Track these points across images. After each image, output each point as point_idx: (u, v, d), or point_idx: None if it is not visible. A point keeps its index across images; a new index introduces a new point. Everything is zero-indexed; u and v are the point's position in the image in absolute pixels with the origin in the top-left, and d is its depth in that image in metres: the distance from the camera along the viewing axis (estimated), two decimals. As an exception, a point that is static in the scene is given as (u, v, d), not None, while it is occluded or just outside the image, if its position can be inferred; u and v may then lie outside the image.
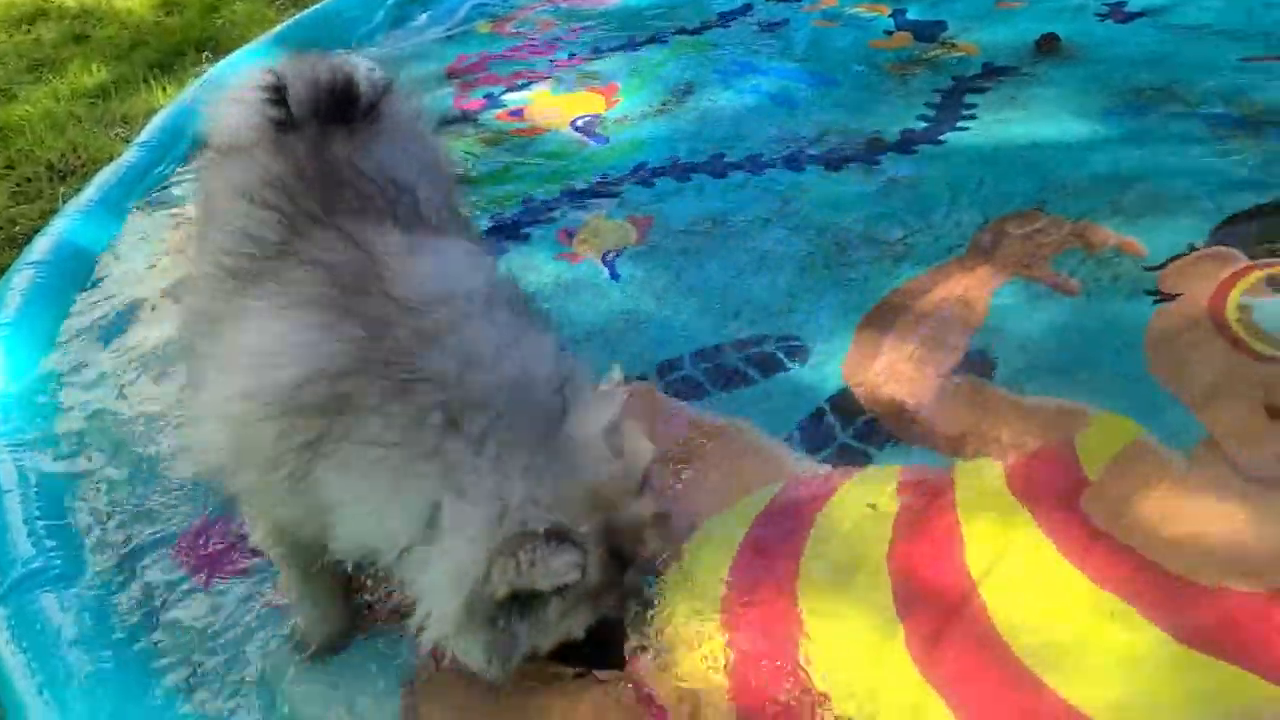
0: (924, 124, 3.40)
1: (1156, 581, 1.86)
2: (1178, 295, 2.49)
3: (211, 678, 1.94)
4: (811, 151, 3.36)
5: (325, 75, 1.92)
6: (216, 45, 5.07)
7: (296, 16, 5.08)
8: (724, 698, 1.79)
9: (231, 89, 1.98)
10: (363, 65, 2.06)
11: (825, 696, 1.76)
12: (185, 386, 2.32)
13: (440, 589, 1.52)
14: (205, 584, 2.11)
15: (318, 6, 5.11)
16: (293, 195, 1.76)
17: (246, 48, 4.67)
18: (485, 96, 4.11)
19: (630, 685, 1.81)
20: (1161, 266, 2.59)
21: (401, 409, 1.51)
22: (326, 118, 1.89)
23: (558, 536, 1.47)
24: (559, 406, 1.57)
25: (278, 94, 1.89)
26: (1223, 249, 2.60)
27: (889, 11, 4.25)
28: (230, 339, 1.65)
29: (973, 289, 2.64)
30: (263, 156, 1.85)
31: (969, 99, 3.51)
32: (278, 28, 4.90)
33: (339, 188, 1.80)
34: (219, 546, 2.19)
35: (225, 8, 5.61)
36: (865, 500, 2.10)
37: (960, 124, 3.36)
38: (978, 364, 2.40)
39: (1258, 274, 2.49)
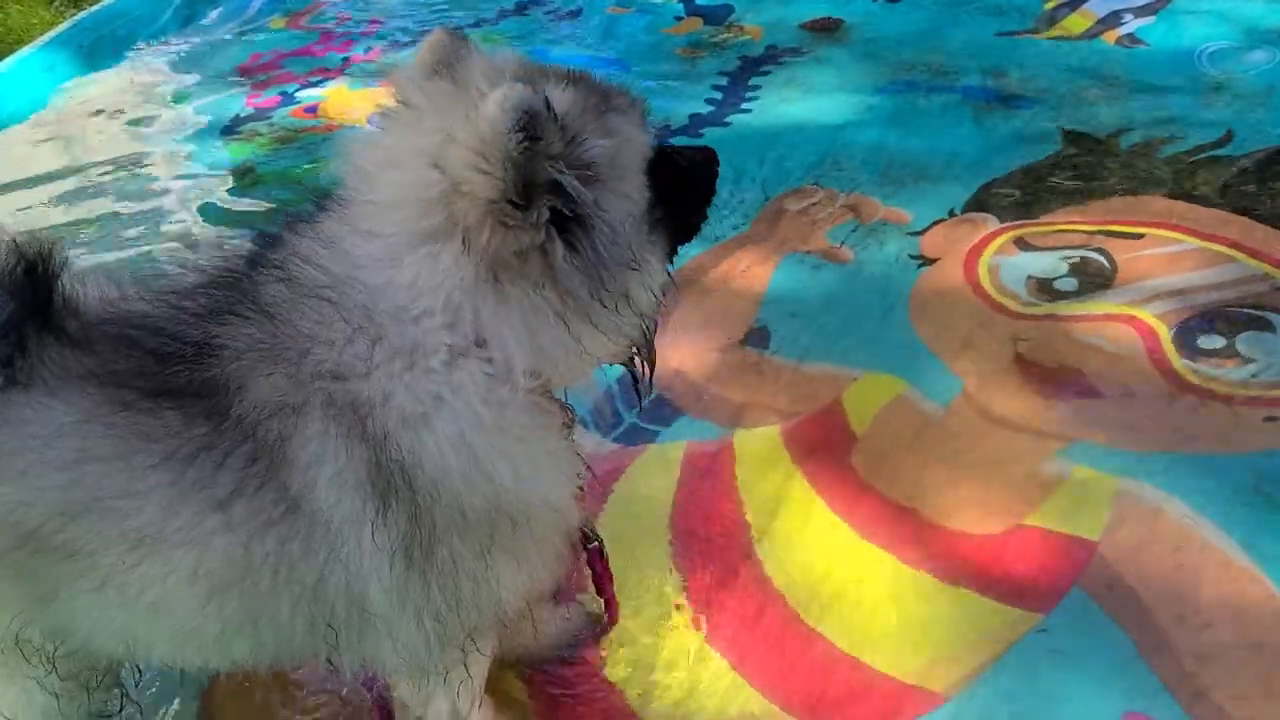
0: (711, 107, 3.52)
1: (914, 527, 2.01)
2: (937, 259, 2.67)
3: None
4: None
5: None
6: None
7: (77, 17, 4.87)
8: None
9: None
10: None
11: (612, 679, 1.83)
12: None
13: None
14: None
15: (101, 5, 4.91)
16: None
17: (23, 52, 4.46)
18: (279, 94, 4.04)
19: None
20: (923, 232, 2.77)
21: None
22: None
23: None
24: None
25: None
26: (977, 215, 2.80)
27: (679, -4, 4.37)
28: None
29: (755, 264, 2.77)
30: None
31: (753, 80, 3.65)
32: (58, 29, 4.69)
33: None
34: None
35: (-4, 10, 5.33)
36: (652, 475, 2.19)
37: (744, 105, 3.50)
38: (755, 335, 2.52)
39: (1006, 235, 2.69)
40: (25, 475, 1.24)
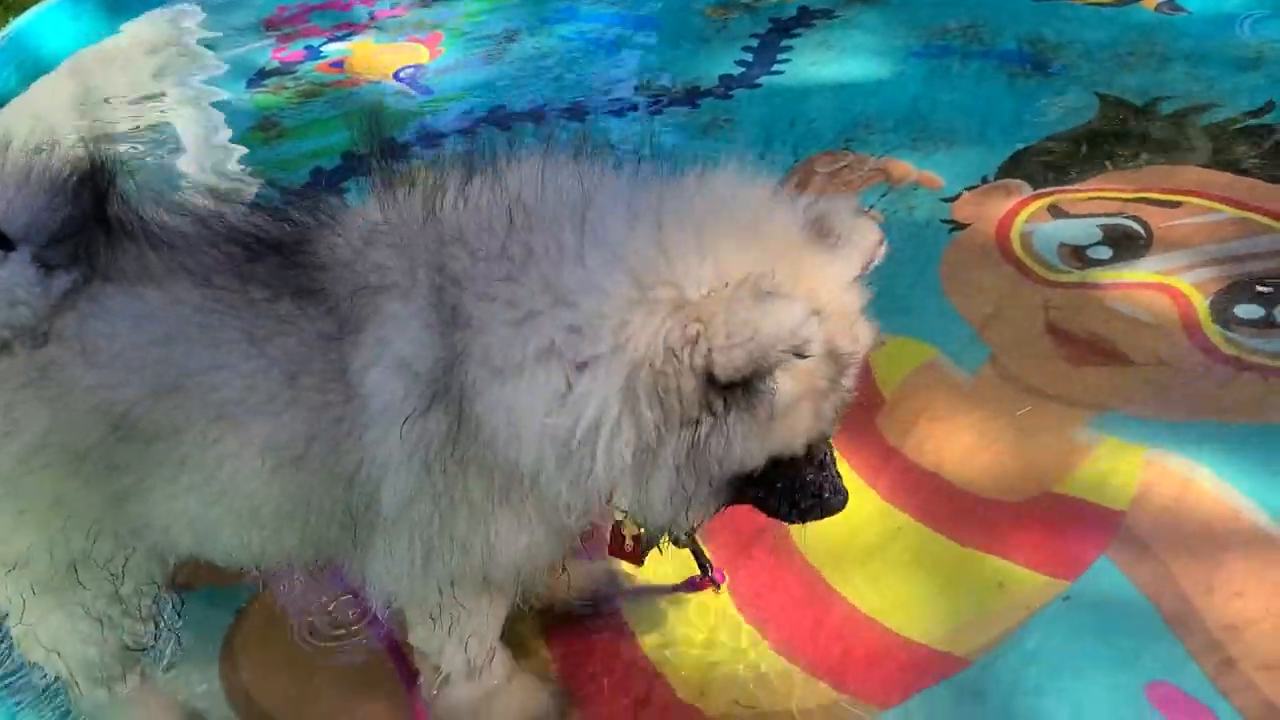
0: (741, 68, 3.47)
1: (938, 494, 2.00)
2: (969, 225, 2.63)
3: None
4: (634, 98, 3.40)
5: None
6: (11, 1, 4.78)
7: (104, -32, 4.83)
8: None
9: None
10: None
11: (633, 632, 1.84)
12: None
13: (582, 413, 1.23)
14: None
15: (127, -44, 4.87)
16: None
17: (50, 2, 4.43)
18: (305, 48, 4.01)
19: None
20: (955, 198, 2.74)
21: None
22: None
23: (764, 292, 1.18)
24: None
25: None
26: (1010, 181, 2.76)
27: (709, -44, 4.30)
28: None
29: (783, 226, 2.73)
30: None
31: (785, 42, 3.60)
32: (82, -19, 4.65)
33: None
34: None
35: (20, -39, 5.28)
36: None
37: (775, 67, 3.45)
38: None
39: (1040, 202, 2.65)
40: (117, 359, 1.31)
